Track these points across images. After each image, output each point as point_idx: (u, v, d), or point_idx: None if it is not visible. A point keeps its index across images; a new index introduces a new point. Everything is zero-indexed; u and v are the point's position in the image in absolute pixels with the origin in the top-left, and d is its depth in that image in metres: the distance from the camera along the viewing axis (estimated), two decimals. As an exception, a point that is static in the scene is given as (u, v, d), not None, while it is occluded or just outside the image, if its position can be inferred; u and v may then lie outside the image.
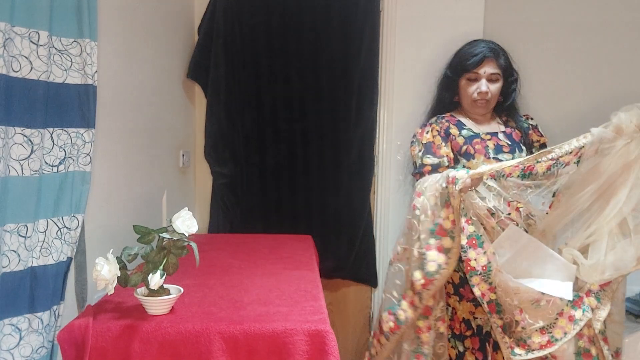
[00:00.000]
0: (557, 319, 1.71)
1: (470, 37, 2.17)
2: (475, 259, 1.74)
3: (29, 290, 1.25)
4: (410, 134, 2.21)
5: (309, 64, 2.49)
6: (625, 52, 2.38)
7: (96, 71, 1.39)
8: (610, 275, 1.66)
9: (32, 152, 1.23)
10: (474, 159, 1.98)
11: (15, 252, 1.20)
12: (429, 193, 1.83)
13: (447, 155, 2.01)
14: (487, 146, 2.00)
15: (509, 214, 1.86)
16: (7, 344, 1.21)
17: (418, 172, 2.03)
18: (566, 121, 2.29)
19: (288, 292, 1.52)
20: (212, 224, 2.61)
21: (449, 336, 1.98)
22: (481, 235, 1.76)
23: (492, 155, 1.98)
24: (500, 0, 2.43)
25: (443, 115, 2.12)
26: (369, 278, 2.60)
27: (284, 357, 1.25)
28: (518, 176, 1.73)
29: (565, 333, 1.70)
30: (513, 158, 1.96)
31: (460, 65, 2.06)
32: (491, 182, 1.81)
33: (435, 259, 1.78)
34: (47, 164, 1.30)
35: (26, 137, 1.22)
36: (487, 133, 2.06)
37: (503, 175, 1.72)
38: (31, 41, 1.21)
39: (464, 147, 2.01)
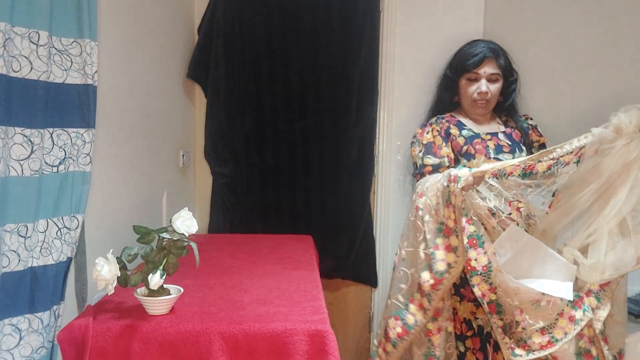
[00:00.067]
0: (557, 319, 1.71)
1: (470, 37, 2.17)
2: (475, 259, 1.74)
3: (29, 291, 1.25)
4: (410, 134, 2.21)
5: (309, 64, 2.49)
6: (625, 52, 2.38)
7: (96, 71, 1.39)
8: (610, 275, 1.67)
9: (32, 152, 1.23)
10: (474, 159, 1.98)
11: (15, 252, 1.20)
12: (430, 193, 1.83)
13: (447, 156, 2.01)
14: (488, 146, 2.01)
15: (510, 213, 1.86)
16: (7, 344, 1.21)
17: (419, 172, 2.03)
18: (566, 121, 2.29)
19: (288, 292, 1.52)
20: (212, 224, 2.61)
21: (450, 336, 1.98)
22: (482, 235, 1.76)
23: (492, 155, 1.98)
24: (500, 0, 2.43)
25: (443, 116, 2.12)
26: (369, 278, 2.60)
27: (284, 357, 1.25)
28: (519, 175, 1.72)
29: (566, 333, 1.70)
30: (513, 158, 1.96)
31: (460, 66, 2.06)
32: (492, 181, 1.81)
33: (444, 258, 1.77)
34: (47, 164, 1.30)
35: (26, 137, 1.22)
36: (488, 133, 2.06)
37: (504, 174, 1.72)
38: (31, 41, 1.21)
39: (465, 147, 2.01)
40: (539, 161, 1.68)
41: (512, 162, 1.70)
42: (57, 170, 1.32)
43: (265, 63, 2.50)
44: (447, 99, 2.14)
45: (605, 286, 1.72)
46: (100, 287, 1.27)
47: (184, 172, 2.49)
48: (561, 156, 1.65)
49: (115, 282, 1.29)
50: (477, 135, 2.04)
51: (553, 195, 1.83)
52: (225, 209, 2.56)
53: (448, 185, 1.74)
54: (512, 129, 2.10)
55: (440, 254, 1.77)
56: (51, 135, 1.31)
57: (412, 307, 1.84)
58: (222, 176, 2.55)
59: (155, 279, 1.29)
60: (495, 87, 2.04)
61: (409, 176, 2.44)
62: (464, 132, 2.05)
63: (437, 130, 2.06)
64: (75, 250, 1.38)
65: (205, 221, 2.62)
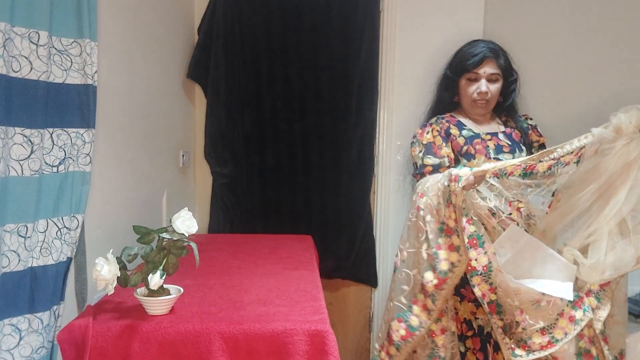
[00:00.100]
0: (557, 319, 1.71)
1: (470, 37, 2.17)
2: (476, 259, 1.74)
3: (28, 291, 1.25)
4: (410, 134, 2.21)
5: (309, 64, 2.49)
6: (625, 52, 2.38)
7: (96, 71, 1.39)
8: (610, 275, 1.67)
9: (32, 152, 1.23)
10: (474, 159, 1.98)
11: (15, 252, 1.20)
12: (431, 193, 1.82)
13: (447, 156, 2.01)
14: (488, 146, 2.01)
15: (510, 214, 1.86)
16: (7, 344, 1.21)
17: (419, 172, 2.03)
18: (566, 121, 2.29)
19: (288, 292, 1.52)
20: (212, 224, 2.61)
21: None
22: (482, 235, 1.76)
23: (492, 156, 1.98)
24: (500, 0, 2.43)
25: (443, 116, 2.12)
26: (369, 278, 2.60)
27: (284, 357, 1.25)
28: (519, 175, 1.72)
29: (566, 334, 1.70)
30: (513, 158, 1.96)
31: (460, 65, 2.06)
32: (493, 181, 1.81)
33: (447, 257, 1.77)
34: (47, 164, 1.30)
35: (26, 137, 1.22)
36: (488, 133, 2.06)
37: (505, 174, 1.72)
38: (31, 41, 1.21)
39: (465, 148, 2.01)
40: (540, 161, 1.67)
41: (513, 161, 1.70)
42: (57, 170, 1.32)
43: (265, 63, 2.50)
44: (447, 99, 2.14)
45: (605, 286, 1.71)
46: (100, 287, 1.27)
47: (184, 172, 2.49)
48: (562, 156, 1.65)
49: (115, 282, 1.29)
50: (477, 136, 2.04)
51: (553, 195, 1.83)
52: (225, 209, 2.56)
53: (449, 185, 1.74)
54: (512, 129, 2.10)
55: (443, 253, 1.77)
56: (51, 135, 1.31)
57: (416, 309, 1.83)
58: (222, 176, 2.55)
59: (155, 279, 1.29)
60: (495, 87, 2.04)
61: (409, 176, 2.44)
62: (464, 132, 2.05)
63: (437, 131, 2.06)
64: (75, 250, 1.38)
65: (205, 221, 2.62)
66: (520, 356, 1.71)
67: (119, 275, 1.28)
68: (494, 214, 1.83)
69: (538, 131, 2.14)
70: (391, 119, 2.50)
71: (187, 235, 1.34)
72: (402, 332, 1.84)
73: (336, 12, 2.46)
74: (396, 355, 1.87)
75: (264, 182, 2.56)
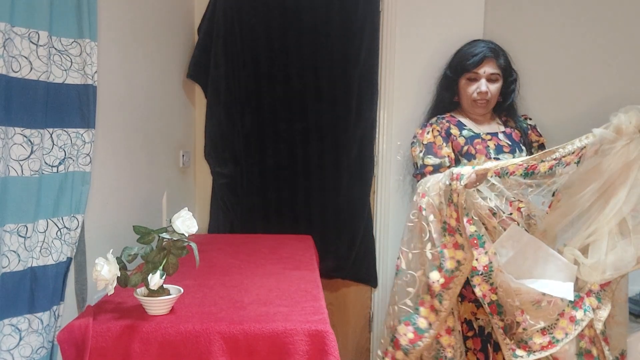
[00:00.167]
0: (558, 319, 1.71)
1: (470, 37, 2.17)
2: (476, 259, 1.74)
3: (28, 291, 1.25)
4: (410, 134, 2.21)
5: (309, 64, 2.49)
6: (625, 52, 2.38)
7: (96, 71, 1.38)
8: (611, 275, 1.67)
9: (32, 152, 1.23)
10: (475, 159, 1.98)
11: (15, 252, 1.20)
12: (432, 193, 1.82)
13: (448, 156, 2.01)
14: (488, 146, 2.00)
15: (511, 213, 1.86)
16: (7, 344, 1.21)
17: (419, 172, 2.03)
18: (565, 121, 2.28)
19: (288, 292, 1.52)
20: (212, 224, 2.61)
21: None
22: (482, 235, 1.76)
23: (493, 156, 1.98)
24: (500, 0, 2.43)
25: (443, 116, 2.12)
26: (369, 278, 2.60)
27: (284, 357, 1.25)
28: (521, 175, 1.72)
29: (567, 334, 1.70)
30: (514, 158, 1.96)
31: (460, 65, 2.06)
32: (494, 180, 1.81)
33: (453, 256, 1.76)
34: (47, 164, 1.30)
35: (26, 137, 1.22)
36: (488, 133, 2.06)
37: (507, 173, 1.72)
38: (31, 41, 1.21)
39: (465, 148, 2.01)
40: (542, 161, 1.67)
41: (514, 161, 1.69)
42: (57, 170, 1.32)
43: (265, 63, 2.50)
44: (447, 99, 2.14)
45: (606, 286, 1.71)
46: (100, 287, 1.27)
47: (184, 172, 2.49)
48: (563, 156, 1.65)
49: (115, 282, 1.29)
50: (478, 136, 2.04)
51: (553, 195, 1.83)
52: (225, 209, 2.56)
53: (450, 184, 1.73)
54: (512, 129, 2.10)
55: (448, 252, 1.76)
56: (51, 135, 1.31)
57: (423, 311, 1.81)
58: (222, 176, 2.54)
59: (155, 279, 1.29)
60: (495, 87, 2.04)
61: (409, 176, 2.44)
62: (465, 132, 2.05)
63: (438, 131, 2.06)
64: (75, 250, 1.38)
65: (205, 221, 2.62)
66: (521, 357, 1.71)
67: (119, 275, 1.28)
68: (494, 214, 1.83)
69: (537, 131, 2.14)
70: (391, 119, 2.50)
71: (187, 235, 1.34)
72: (411, 335, 1.81)
73: (336, 12, 2.46)
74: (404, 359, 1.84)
75: (264, 182, 2.56)
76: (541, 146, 2.11)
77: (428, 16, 2.43)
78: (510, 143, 2.04)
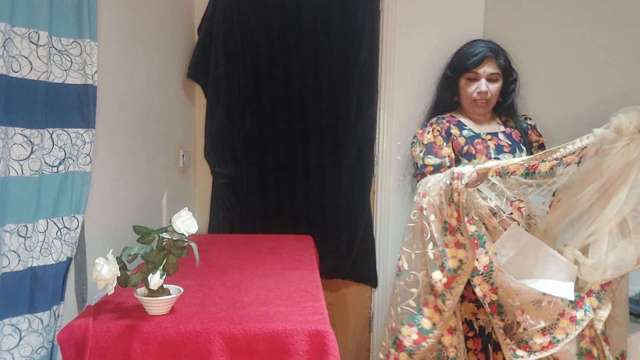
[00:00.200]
0: (558, 319, 1.71)
1: (470, 37, 2.17)
2: (477, 259, 1.74)
3: (29, 291, 1.25)
4: (410, 134, 2.20)
5: (309, 64, 2.49)
6: (625, 51, 2.38)
7: (96, 71, 1.38)
8: (612, 275, 1.66)
9: (32, 152, 1.23)
10: (475, 159, 1.98)
11: (15, 252, 1.20)
12: (433, 192, 1.82)
13: (448, 156, 2.01)
14: (488, 146, 2.00)
15: (511, 213, 1.86)
16: (7, 344, 1.21)
17: (419, 172, 2.03)
18: (565, 121, 2.29)
19: (288, 292, 1.52)
20: (212, 224, 2.61)
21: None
22: (483, 235, 1.76)
23: (493, 155, 1.98)
24: (500, 0, 2.43)
25: (443, 116, 2.12)
26: (369, 278, 2.60)
27: (284, 357, 1.25)
28: (522, 174, 1.72)
29: (567, 334, 1.69)
30: (514, 158, 1.96)
31: (460, 65, 2.06)
32: (495, 180, 1.81)
33: (455, 255, 1.75)
34: (47, 164, 1.30)
35: (26, 137, 1.22)
36: (488, 133, 2.06)
37: (508, 173, 1.72)
38: (31, 41, 1.21)
39: (466, 148, 2.01)
40: (543, 161, 1.67)
41: (515, 160, 1.69)
42: (57, 170, 1.32)
43: (265, 63, 2.50)
44: (447, 98, 2.14)
45: (606, 286, 1.71)
46: (100, 287, 1.27)
47: (184, 172, 2.49)
48: (564, 156, 1.65)
49: (115, 282, 1.29)
50: (478, 136, 2.04)
51: (553, 195, 1.83)
52: (225, 209, 2.56)
53: (451, 183, 1.73)
54: (512, 129, 2.10)
55: (450, 251, 1.76)
56: (51, 135, 1.31)
57: (427, 311, 1.80)
58: (222, 176, 2.54)
59: (155, 279, 1.29)
60: (495, 87, 2.04)
61: (409, 176, 2.44)
62: (465, 132, 2.05)
63: (438, 131, 2.06)
64: (75, 250, 1.38)
65: (205, 221, 2.62)
66: (522, 357, 1.71)
67: (119, 275, 1.28)
68: (494, 214, 1.83)
69: (537, 131, 2.14)
70: (391, 119, 2.50)
71: (187, 235, 1.34)
72: (415, 336, 1.80)
73: (336, 12, 2.46)
74: None
75: (264, 182, 2.56)
76: (541, 146, 2.11)
77: (428, 16, 2.43)
78: (510, 143, 2.04)
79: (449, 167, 1.97)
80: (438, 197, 1.79)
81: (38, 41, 1.22)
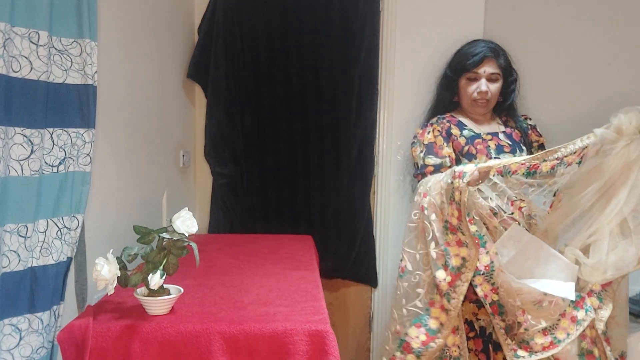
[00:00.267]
0: (559, 319, 1.71)
1: (470, 37, 2.17)
2: (478, 259, 1.73)
3: (29, 291, 1.25)
4: (410, 134, 2.20)
5: (309, 64, 2.49)
6: (625, 51, 2.38)
7: (96, 71, 1.38)
8: (612, 275, 1.66)
9: (32, 152, 1.23)
10: (475, 159, 1.98)
11: (15, 252, 1.20)
12: (434, 192, 1.82)
13: (449, 156, 2.01)
14: (489, 146, 2.00)
15: (512, 213, 1.86)
16: (7, 344, 1.21)
17: (420, 172, 2.03)
18: (565, 121, 2.29)
19: (288, 292, 1.52)
20: (212, 224, 2.61)
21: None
22: (484, 235, 1.75)
23: (493, 156, 1.98)
24: (500, 0, 2.43)
25: (444, 116, 2.12)
26: (369, 278, 2.60)
27: (284, 357, 1.25)
28: (523, 174, 1.72)
29: (568, 334, 1.69)
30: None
31: (460, 65, 2.06)
32: (496, 179, 1.81)
33: (458, 253, 1.75)
34: (47, 164, 1.30)
35: (26, 137, 1.22)
36: (488, 133, 2.06)
37: (509, 172, 1.72)
38: (31, 41, 1.21)
39: (466, 148, 2.01)
40: (544, 160, 1.67)
41: (517, 159, 1.69)
42: (57, 170, 1.32)
43: (265, 63, 2.50)
44: (447, 98, 2.14)
45: (607, 286, 1.71)
46: (100, 287, 1.27)
47: (184, 172, 2.49)
48: (565, 156, 1.65)
49: (115, 282, 1.29)
50: (478, 136, 2.04)
51: (554, 195, 1.83)
52: (225, 209, 2.56)
53: (452, 182, 1.73)
54: (512, 129, 2.10)
55: (453, 249, 1.75)
56: (51, 135, 1.31)
57: (434, 311, 1.79)
58: (222, 176, 2.54)
59: (155, 279, 1.29)
60: (495, 87, 2.04)
61: (409, 176, 2.44)
62: (465, 132, 2.05)
63: (438, 130, 2.06)
64: (75, 250, 1.38)
65: (205, 221, 2.62)
66: (523, 357, 1.70)
67: (119, 275, 1.28)
68: (495, 214, 1.83)
69: (537, 131, 2.14)
70: (391, 119, 2.50)
71: (187, 235, 1.33)
72: (423, 337, 1.78)
73: (336, 12, 2.46)
74: None
75: (264, 182, 2.56)
76: (541, 146, 2.11)
77: (428, 16, 2.43)
78: (510, 143, 2.04)
79: (450, 167, 1.96)
80: (439, 196, 1.79)
81: (38, 41, 1.22)
